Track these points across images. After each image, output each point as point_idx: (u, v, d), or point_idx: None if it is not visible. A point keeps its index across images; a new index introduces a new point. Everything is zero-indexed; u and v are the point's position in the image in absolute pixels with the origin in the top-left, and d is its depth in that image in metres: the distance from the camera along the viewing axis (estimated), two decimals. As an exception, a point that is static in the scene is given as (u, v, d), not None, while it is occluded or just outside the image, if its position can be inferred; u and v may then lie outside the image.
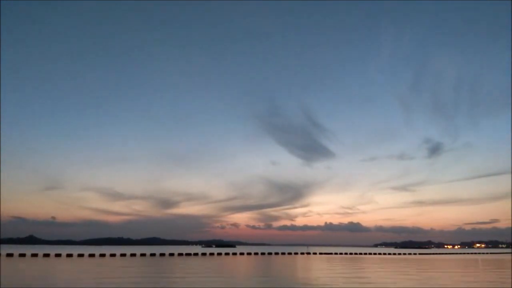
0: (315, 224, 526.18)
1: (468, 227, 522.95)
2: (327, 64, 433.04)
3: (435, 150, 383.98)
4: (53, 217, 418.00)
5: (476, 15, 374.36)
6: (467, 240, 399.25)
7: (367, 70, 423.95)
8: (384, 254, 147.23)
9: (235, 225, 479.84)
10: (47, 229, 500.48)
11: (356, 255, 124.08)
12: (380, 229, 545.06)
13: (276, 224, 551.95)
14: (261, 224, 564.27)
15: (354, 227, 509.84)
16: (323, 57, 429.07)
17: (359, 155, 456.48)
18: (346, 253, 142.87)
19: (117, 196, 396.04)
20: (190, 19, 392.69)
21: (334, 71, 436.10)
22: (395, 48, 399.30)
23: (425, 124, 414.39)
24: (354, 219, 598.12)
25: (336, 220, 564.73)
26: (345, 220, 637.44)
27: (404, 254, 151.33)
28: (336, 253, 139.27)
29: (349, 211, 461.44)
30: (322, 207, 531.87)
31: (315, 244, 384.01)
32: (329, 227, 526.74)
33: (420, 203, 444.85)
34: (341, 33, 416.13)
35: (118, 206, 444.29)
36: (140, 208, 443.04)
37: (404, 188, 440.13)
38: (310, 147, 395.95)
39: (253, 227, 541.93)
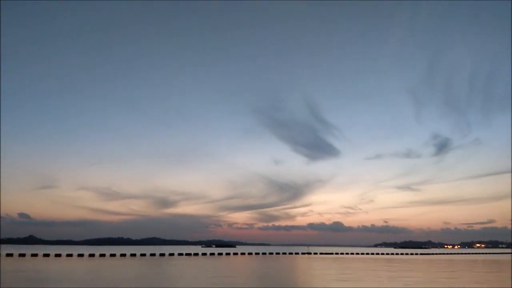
0: (316, 224, 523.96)
1: (468, 227, 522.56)
2: (332, 54, 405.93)
3: (442, 147, 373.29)
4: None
5: (496, 3, 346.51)
6: (467, 240, 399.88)
7: (377, 59, 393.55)
8: (382, 254, 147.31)
9: (235, 225, 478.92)
10: (45, 229, 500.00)
11: (357, 255, 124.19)
12: (380, 229, 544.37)
13: (276, 223, 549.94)
14: (262, 224, 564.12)
15: (355, 227, 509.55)
16: (328, 46, 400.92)
17: (364, 153, 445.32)
18: (347, 253, 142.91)
19: (114, 195, 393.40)
20: (186, 8, 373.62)
21: (340, 61, 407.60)
22: (408, 36, 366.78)
23: (435, 119, 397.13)
24: (356, 218, 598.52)
25: (337, 219, 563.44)
26: (346, 219, 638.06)
27: (402, 254, 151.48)
28: (336, 253, 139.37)
29: (351, 210, 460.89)
30: (323, 207, 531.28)
31: (316, 244, 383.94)
32: (330, 226, 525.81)
33: (423, 202, 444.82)
34: (348, 21, 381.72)
35: (116, 206, 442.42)
36: (138, 208, 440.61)
37: (408, 187, 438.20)
38: (314, 144, 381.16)
39: (253, 227, 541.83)
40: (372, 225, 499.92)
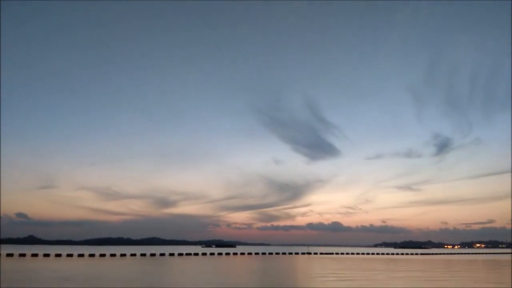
0: (316, 224, 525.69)
1: (468, 227, 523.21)
2: (333, 53, 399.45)
3: (443, 146, 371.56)
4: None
5: (497, 3, 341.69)
6: (467, 240, 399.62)
7: (377, 58, 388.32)
8: (382, 254, 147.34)
9: (235, 225, 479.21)
10: (44, 229, 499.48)
11: (357, 255, 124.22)
12: (380, 229, 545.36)
13: (276, 224, 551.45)
14: (262, 224, 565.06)
15: (355, 227, 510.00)
16: (329, 45, 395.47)
17: (364, 153, 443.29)
18: (347, 253, 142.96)
19: (114, 195, 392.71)
20: (186, 7, 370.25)
21: (340, 60, 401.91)
22: (408, 35, 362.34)
23: (436, 119, 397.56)
24: (356, 218, 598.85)
25: (337, 219, 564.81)
26: (346, 219, 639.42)
27: (402, 254, 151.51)
28: (337, 253, 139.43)
29: (351, 210, 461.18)
30: (323, 207, 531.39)
31: (316, 244, 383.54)
32: (330, 226, 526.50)
33: (423, 202, 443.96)
34: (349, 19, 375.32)
35: (115, 206, 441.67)
36: (137, 208, 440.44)
37: (408, 187, 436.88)
38: (315, 144, 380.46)
39: (253, 227, 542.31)
40: (372, 225, 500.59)
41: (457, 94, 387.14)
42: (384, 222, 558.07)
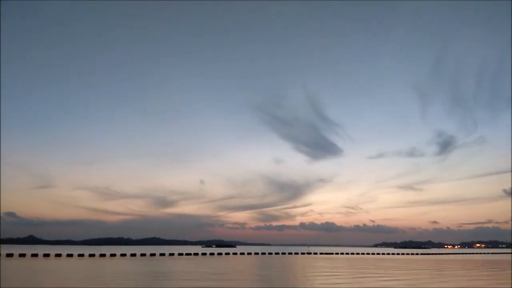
0: (316, 223, 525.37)
1: (468, 227, 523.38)
2: (335, 50, 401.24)
3: (446, 145, 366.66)
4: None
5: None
6: (467, 240, 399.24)
7: (381, 55, 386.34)
8: (383, 254, 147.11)
9: (235, 224, 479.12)
10: (43, 229, 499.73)
11: (360, 256, 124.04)
12: (380, 229, 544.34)
13: (277, 223, 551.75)
14: (262, 224, 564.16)
15: (355, 227, 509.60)
16: (331, 42, 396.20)
17: (366, 152, 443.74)
18: (347, 253, 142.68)
19: (113, 195, 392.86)
20: (183, 5, 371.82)
21: (343, 57, 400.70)
22: (413, 31, 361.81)
23: (440, 117, 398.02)
24: (356, 218, 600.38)
25: (337, 219, 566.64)
26: (347, 219, 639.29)
27: (403, 254, 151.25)
28: (336, 253, 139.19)
29: (351, 210, 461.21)
30: (324, 207, 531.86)
31: (316, 244, 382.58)
32: (330, 226, 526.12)
33: (424, 202, 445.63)
34: (351, 16, 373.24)
35: (115, 205, 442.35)
36: (137, 208, 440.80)
37: (409, 186, 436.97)
38: (316, 143, 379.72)
39: (254, 227, 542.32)
40: (373, 225, 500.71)
41: (462, 91, 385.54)
42: (384, 221, 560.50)
